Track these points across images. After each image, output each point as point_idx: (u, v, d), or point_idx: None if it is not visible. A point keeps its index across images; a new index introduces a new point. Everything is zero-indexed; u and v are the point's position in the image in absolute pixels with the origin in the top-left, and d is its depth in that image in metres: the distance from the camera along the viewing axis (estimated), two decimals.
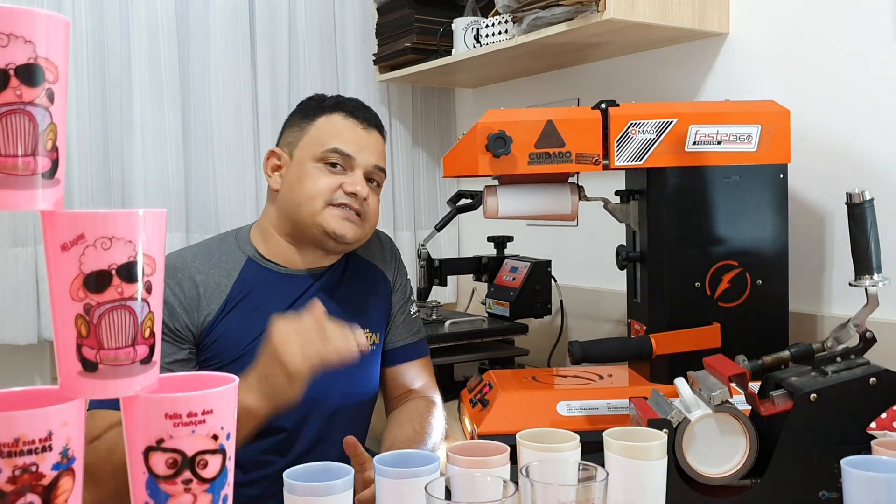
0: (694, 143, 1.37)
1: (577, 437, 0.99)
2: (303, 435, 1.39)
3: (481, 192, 1.46)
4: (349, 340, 1.15)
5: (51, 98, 0.56)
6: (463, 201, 1.98)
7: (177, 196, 2.11)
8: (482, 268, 2.06)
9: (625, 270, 1.54)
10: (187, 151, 2.14)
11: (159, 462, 0.58)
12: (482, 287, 2.08)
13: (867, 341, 1.11)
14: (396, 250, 1.62)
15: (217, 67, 2.14)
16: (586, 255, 2.11)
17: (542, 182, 1.43)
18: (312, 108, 1.45)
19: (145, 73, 2.05)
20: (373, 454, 1.54)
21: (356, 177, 1.40)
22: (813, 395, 1.05)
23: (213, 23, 2.14)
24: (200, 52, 2.14)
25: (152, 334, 0.59)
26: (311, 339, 1.12)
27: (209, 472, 0.59)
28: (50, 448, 0.54)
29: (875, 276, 1.11)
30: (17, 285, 1.92)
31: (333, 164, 1.39)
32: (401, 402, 1.50)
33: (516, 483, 0.77)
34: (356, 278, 1.50)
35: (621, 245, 1.50)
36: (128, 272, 0.57)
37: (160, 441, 0.58)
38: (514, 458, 0.95)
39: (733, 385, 1.08)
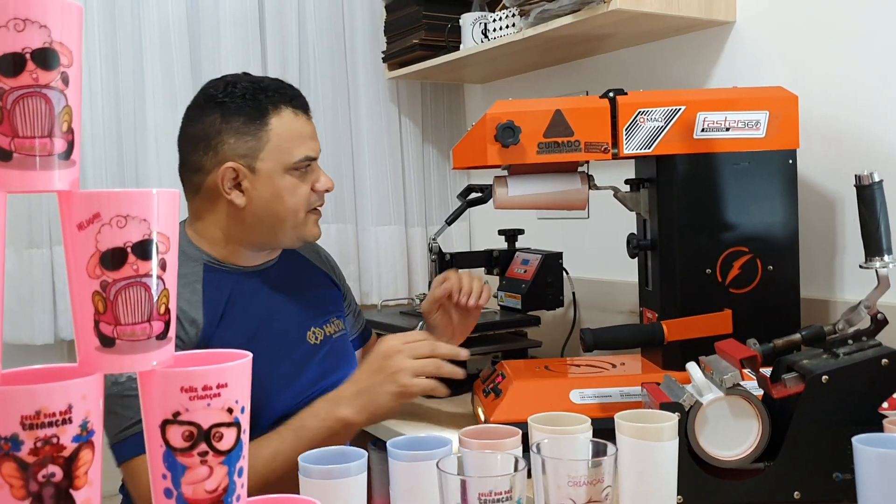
0: (702, 130, 1.37)
1: (589, 420, 1.00)
2: None
3: (491, 185, 1.47)
4: (458, 354, 1.26)
5: (66, 81, 0.58)
6: (473, 195, 1.99)
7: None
8: (493, 261, 2.06)
9: (636, 260, 1.55)
10: None
11: (176, 435, 0.59)
12: (494, 280, 2.08)
13: (878, 323, 1.11)
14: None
15: (228, 68, 2.16)
16: (597, 246, 2.12)
17: (551, 171, 1.44)
18: (251, 106, 1.33)
19: (158, 75, 2.07)
20: (378, 441, 1.57)
21: (320, 171, 1.41)
22: (825, 377, 1.06)
23: (223, 23, 2.16)
24: (211, 52, 2.16)
25: (167, 311, 0.60)
26: (422, 354, 1.24)
27: (224, 445, 0.60)
28: (70, 420, 0.55)
29: (886, 258, 1.11)
30: (33, 286, 1.94)
31: (304, 169, 1.37)
32: None
33: (528, 461, 0.78)
34: (293, 268, 1.53)
35: (632, 234, 1.51)
36: (142, 250, 0.58)
37: (176, 414, 0.59)
38: (526, 446, 0.95)
39: (745, 370, 1.08)
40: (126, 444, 1.19)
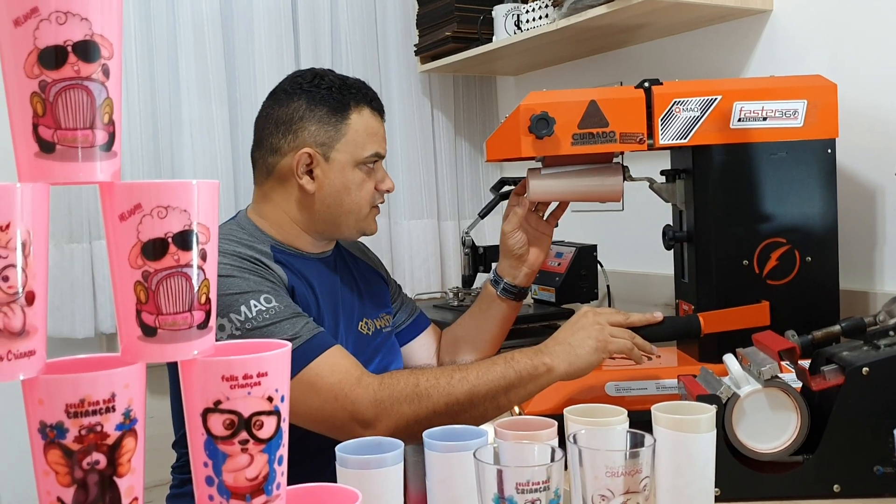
0: (739, 120, 1.36)
1: (625, 412, 0.99)
2: None
3: (524, 177, 1.46)
4: (652, 318, 1.32)
5: (106, 73, 0.58)
6: (506, 188, 1.98)
7: (225, 192, 2.14)
8: None
9: (671, 252, 1.53)
10: (234, 147, 2.18)
11: (217, 423, 0.60)
12: None
13: None
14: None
15: (261, 62, 2.18)
16: (632, 238, 2.10)
17: (586, 163, 1.43)
18: (336, 99, 1.39)
19: (192, 69, 2.09)
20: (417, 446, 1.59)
21: (385, 173, 1.46)
22: (865, 369, 1.04)
23: (256, 17, 2.17)
24: (245, 46, 2.18)
25: (208, 300, 0.61)
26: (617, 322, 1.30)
27: (265, 433, 0.61)
28: (113, 409, 0.56)
29: None
30: (73, 280, 1.97)
31: (371, 165, 1.41)
32: None
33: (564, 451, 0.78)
34: (347, 261, 1.56)
35: (668, 225, 1.50)
36: (183, 240, 0.59)
37: (217, 403, 0.60)
38: (561, 438, 0.95)
39: (784, 362, 1.07)
40: (298, 353, 1.21)
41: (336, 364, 1.21)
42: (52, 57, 0.56)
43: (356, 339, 1.46)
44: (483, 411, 1.22)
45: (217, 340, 1.14)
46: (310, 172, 1.38)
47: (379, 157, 1.43)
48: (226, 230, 1.37)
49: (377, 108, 1.45)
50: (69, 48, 0.56)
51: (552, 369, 1.24)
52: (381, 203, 1.47)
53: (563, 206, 1.54)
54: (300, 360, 1.20)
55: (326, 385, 1.19)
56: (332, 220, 1.41)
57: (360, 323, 1.49)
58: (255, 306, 1.21)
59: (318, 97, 1.39)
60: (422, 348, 1.63)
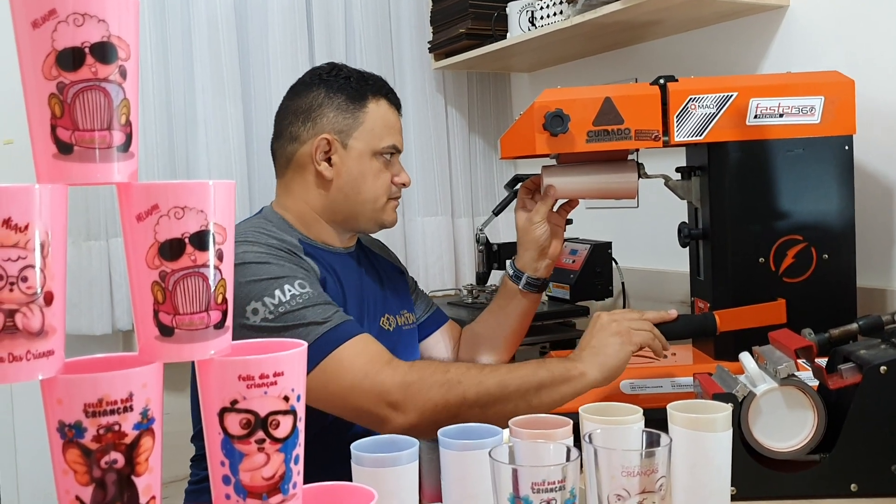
0: (755, 117, 1.35)
1: (641, 411, 0.99)
2: None
3: (539, 174, 1.46)
4: (667, 315, 1.33)
5: (123, 75, 0.59)
6: (520, 185, 1.98)
7: (240, 189, 2.15)
8: None
9: (687, 249, 1.53)
10: (249, 145, 2.19)
11: (234, 423, 0.60)
12: None
13: None
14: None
15: (276, 60, 2.18)
16: (647, 235, 2.10)
17: (601, 160, 1.43)
18: (354, 88, 1.42)
19: (206, 67, 2.10)
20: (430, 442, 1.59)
21: (400, 166, 1.47)
22: (883, 368, 1.03)
23: (271, 15, 2.18)
24: (259, 44, 2.19)
25: (225, 300, 0.61)
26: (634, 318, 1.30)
27: (281, 433, 0.61)
28: (131, 409, 0.56)
29: None
30: (91, 278, 1.99)
31: (388, 156, 1.43)
32: None
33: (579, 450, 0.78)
34: (370, 258, 1.57)
35: (683, 223, 1.49)
36: (200, 240, 0.59)
37: (234, 402, 0.60)
38: (576, 437, 0.95)
39: (800, 360, 1.06)
40: (321, 342, 1.21)
41: (366, 348, 1.22)
42: (70, 59, 0.56)
43: (377, 334, 1.47)
44: (514, 407, 1.20)
45: (251, 325, 1.19)
46: (328, 160, 1.41)
47: (396, 150, 1.44)
48: (255, 224, 1.38)
49: (394, 101, 1.47)
50: (87, 50, 0.57)
51: (585, 373, 1.24)
52: (398, 197, 1.48)
53: (575, 200, 1.54)
54: (330, 342, 1.20)
55: (356, 365, 1.20)
56: (350, 209, 1.42)
57: (382, 318, 1.50)
58: (290, 290, 1.22)
59: (336, 86, 1.42)
60: (438, 344, 1.64)
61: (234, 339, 1.13)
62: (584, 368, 1.24)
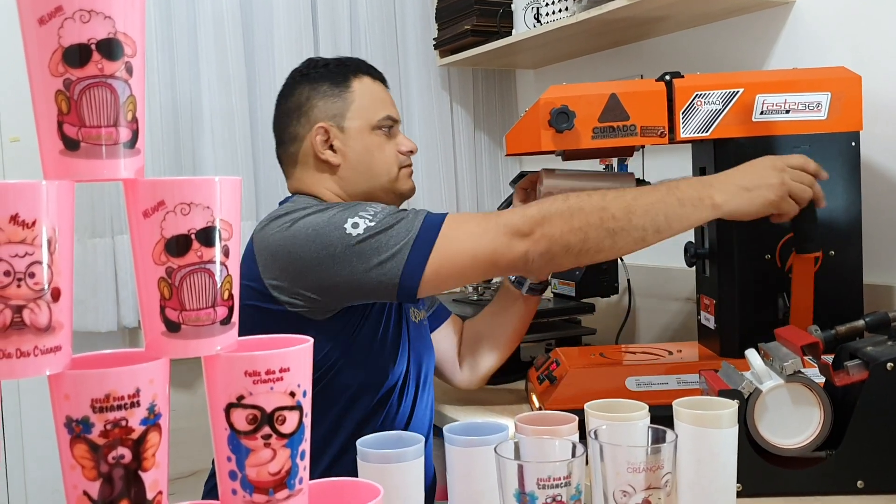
0: (761, 113, 1.35)
1: (647, 407, 0.99)
2: (404, 402, 1.45)
3: (538, 171, 1.46)
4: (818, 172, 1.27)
5: (129, 71, 0.59)
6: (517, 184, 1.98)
7: (246, 185, 2.15)
8: None
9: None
10: (255, 141, 2.19)
11: (240, 418, 0.60)
12: None
13: None
14: None
15: (281, 56, 2.18)
16: None
17: (604, 157, 1.43)
18: (334, 72, 1.46)
19: (212, 64, 2.10)
20: (434, 426, 1.60)
21: (403, 136, 1.50)
22: (890, 364, 1.03)
23: (276, 11, 2.18)
24: (264, 41, 2.19)
25: (231, 296, 0.61)
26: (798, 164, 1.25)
27: (287, 428, 0.61)
28: (138, 404, 0.56)
29: None
30: (96, 275, 1.99)
31: (387, 129, 1.46)
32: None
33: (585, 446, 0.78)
34: None
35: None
36: (206, 236, 0.59)
37: (240, 398, 0.60)
38: (582, 433, 0.95)
39: (806, 357, 1.06)
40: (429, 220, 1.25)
41: (462, 213, 1.26)
42: (77, 55, 0.57)
43: (409, 326, 1.48)
44: (642, 233, 1.19)
45: (358, 238, 1.20)
46: (331, 147, 1.43)
47: (392, 120, 1.47)
48: (297, 203, 1.37)
49: (377, 75, 1.50)
50: (93, 46, 0.57)
51: (718, 206, 1.20)
52: (410, 165, 1.50)
53: None
54: (436, 216, 1.25)
55: (474, 216, 1.25)
56: (367, 187, 1.45)
57: (412, 310, 1.51)
58: (372, 206, 1.27)
59: (317, 76, 1.46)
60: (444, 339, 1.64)
61: (343, 264, 1.20)
62: (719, 201, 1.20)
